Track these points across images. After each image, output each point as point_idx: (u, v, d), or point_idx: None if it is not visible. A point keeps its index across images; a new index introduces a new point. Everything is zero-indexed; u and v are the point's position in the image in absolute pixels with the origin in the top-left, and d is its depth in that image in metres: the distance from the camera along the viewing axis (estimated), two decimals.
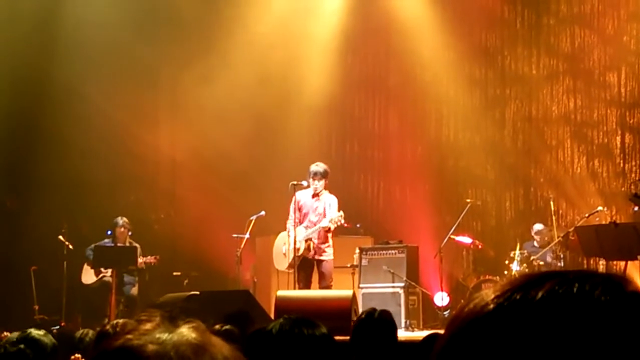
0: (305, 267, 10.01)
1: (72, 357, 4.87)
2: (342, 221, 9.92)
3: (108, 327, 3.97)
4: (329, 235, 10.09)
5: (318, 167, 10.13)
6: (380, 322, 4.55)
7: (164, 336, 1.03)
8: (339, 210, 10.01)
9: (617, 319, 0.81)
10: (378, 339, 4.46)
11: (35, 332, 4.41)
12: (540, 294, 0.84)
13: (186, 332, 1.05)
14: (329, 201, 10.11)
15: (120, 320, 4.13)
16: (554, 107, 13.38)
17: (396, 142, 14.23)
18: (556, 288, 0.84)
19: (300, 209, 10.14)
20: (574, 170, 13.12)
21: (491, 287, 0.90)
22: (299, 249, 9.91)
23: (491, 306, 0.86)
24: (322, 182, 10.08)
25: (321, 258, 10.03)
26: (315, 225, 10.02)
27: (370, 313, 4.63)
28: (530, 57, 13.57)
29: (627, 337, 0.81)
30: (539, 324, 0.82)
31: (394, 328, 4.69)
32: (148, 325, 1.05)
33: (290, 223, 10.20)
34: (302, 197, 10.19)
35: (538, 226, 11.83)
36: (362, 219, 12.77)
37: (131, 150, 13.03)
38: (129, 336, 1.03)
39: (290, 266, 10.08)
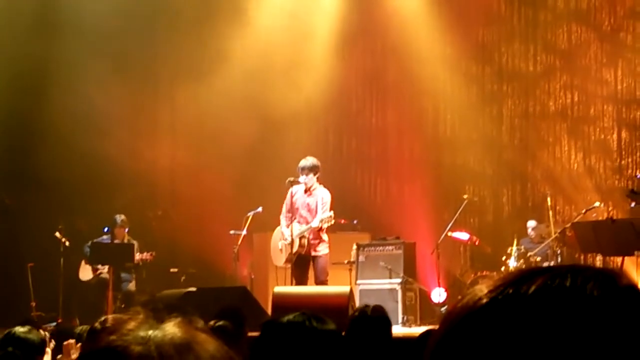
0: (301, 263, 10.01)
1: (65, 342, 4.85)
2: (332, 222, 9.93)
3: (97, 324, 3.92)
4: (323, 231, 10.07)
5: (306, 161, 10.12)
6: (374, 318, 4.56)
7: (147, 334, 1.00)
8: (332, 205, 10.01)
9: (608, 313, 0.82)
10: (373, 335, 4.46)
11: (19, 331, 4.35)
12: (532, 289, 0.84)
13: (170, 329, 1.02)
14: (322, 196, 10.09)
15: (110, 317, 4.08)
16: (551, 103, 13.39)
17: (393, 138, 14.22)
18: (548, 282, 0.84)
19: (293, 204, 10.13)
20: (571, 166, 13.13)
21: (484, 283, 0.90)
22: (293, 245, 9.91)
23: (484, 301, 0.86)
24: (311, 176, 10.04)
25: (316, 254, 10.02)
26: (307, 221, 10.02)
27: (364, 310, 4.64)
28: (527, 53, 13.58)
29: (618, 331, 0.81)
30: (532, 318, 0.82)
31: (388, 324, 4.68)
32: (131, 324, 1.02)
33: (282, 217, 10.22)
34: (297, 192, 10.19)
35: (531, 223, 11.86)
36: (360, 215, 12.76)
37: (129, 146, 13.01)
38: (112, 337, 1.00)
39: (287, 261, 10.09)
